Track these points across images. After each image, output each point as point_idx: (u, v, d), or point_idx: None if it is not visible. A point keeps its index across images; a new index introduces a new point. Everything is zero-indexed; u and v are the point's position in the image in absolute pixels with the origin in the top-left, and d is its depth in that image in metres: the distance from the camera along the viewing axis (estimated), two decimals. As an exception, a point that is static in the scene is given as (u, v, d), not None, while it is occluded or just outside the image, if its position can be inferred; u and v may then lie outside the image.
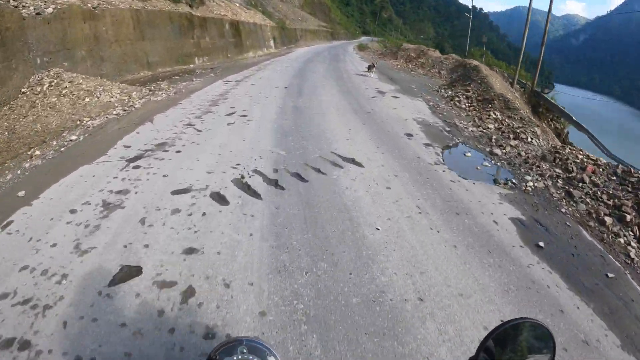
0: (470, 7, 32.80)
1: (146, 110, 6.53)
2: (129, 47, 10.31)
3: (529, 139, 6.37)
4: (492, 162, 5.15)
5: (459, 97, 9.53)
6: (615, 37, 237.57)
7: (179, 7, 13.61)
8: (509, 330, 0.66)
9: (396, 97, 9.25)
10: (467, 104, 8.90)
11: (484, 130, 6.70)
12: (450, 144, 5.78)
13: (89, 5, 8.96)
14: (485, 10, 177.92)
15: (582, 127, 10.53)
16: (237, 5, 22.90)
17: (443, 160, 4.95)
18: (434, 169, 4.55)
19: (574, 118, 11.07)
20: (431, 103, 8.81)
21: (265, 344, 0.65)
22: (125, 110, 6.46)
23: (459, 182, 4.21)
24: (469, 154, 5.41)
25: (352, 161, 4.55)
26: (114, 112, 6.29)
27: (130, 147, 4.61)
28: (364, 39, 68.97)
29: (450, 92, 10.41)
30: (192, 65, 13.41)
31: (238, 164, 4.20)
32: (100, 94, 6.93)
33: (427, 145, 5.51)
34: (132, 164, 4.07)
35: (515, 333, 0.67)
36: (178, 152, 4.54)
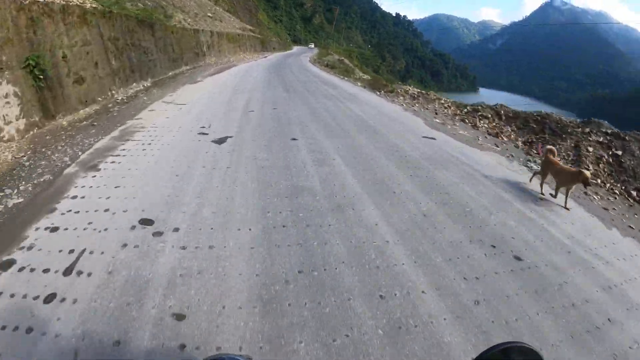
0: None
1: None
2: None
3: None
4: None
5: None
6: (530, 41, 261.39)
7: None
8: (497, 354, 0.64)
9: None
10: None
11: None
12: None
13: None
14: (407, 17, 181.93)
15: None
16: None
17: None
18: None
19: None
20: None
21: None
22: None
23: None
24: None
25: None
26: None
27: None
28: (296, 49, 54.97)
29: None
30: None
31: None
32: None
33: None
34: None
35: (504, 358, 0.64)
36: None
